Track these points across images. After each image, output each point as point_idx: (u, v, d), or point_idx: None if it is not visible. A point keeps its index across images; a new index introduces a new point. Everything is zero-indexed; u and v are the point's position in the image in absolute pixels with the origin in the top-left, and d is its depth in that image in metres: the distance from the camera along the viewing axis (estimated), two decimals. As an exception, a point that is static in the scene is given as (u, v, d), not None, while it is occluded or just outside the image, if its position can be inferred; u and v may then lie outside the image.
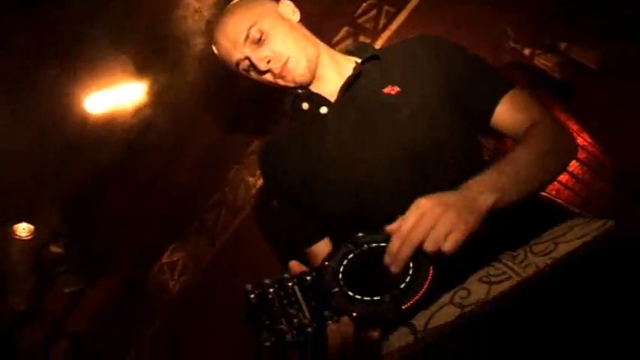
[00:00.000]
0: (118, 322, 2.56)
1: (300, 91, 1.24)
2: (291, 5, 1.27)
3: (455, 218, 0.79)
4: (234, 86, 2.11)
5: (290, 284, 0.82)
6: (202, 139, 2.42)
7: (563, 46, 1.82)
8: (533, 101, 1.13)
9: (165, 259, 2.46)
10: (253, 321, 0.78)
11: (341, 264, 0.84)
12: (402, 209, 0.83)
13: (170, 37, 2.22)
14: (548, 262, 0.88)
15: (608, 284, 0.79)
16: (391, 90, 1.15)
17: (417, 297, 0.77)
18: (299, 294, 0.81)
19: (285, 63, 1.18)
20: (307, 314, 0.79)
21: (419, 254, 0.80)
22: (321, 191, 1.16)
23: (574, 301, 0.79)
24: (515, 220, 0.93)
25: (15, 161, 2.22)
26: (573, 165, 1.71)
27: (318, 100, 1.21)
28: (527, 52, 1.83)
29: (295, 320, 0.77)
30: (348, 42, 2.19)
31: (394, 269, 0.78)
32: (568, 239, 0.91)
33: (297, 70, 1.19)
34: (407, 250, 0.78)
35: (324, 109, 1.20)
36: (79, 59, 2.10)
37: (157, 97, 2.36)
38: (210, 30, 1.31)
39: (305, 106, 1.23)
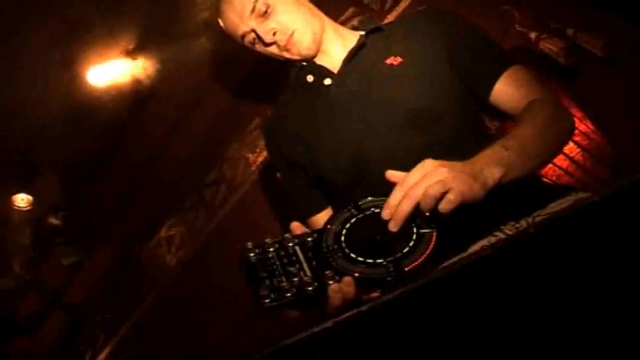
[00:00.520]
0: (115, 295, 2.57)
1: (304, 63, 1.25)
2: (297, -21, 1.27)
3: (457, 180, 0.79)
4: (237, 62, 2.09)
5: (291, 244, 0.82)
6: (203, 114, 2.41)
7: (570, 31, 1.80)
8: (534, 78, 1.13)
9: (162, 234, 2.46)
10: (252, 278, 0.78)
11: (344, 227, 0.83)
12: None
13: (174, 9, 2.20)
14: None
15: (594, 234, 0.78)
16: (394, 61, 1.16)
17: (420, 261, 0.76)
18: (300, 254, 0.81)
19: (291, 35, 1.19)
20: (308, 273, 0.78)
21: (422, 219, 0.80)
22: (325, 159, 1.17)
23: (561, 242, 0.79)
24: (520, 192, 0.93)
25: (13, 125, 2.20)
26: (574, 151, 1.71)
27: (322, 72, 1.22)
28: (533, 35, 1.81)
29: (296, 279, 0.77)
30: (354, 22, 2.16)
31: (393, 226, 0.78)
32: None
33: (302, 43, 1.20)
34: (407, 205, 0.78)
35: (327, 81, 1.21)
36: (79, 28, 2.08)
37: (158, 70, 2.35)
38: (216, 2, 1.30)
39: (309, 78, 1.24)
